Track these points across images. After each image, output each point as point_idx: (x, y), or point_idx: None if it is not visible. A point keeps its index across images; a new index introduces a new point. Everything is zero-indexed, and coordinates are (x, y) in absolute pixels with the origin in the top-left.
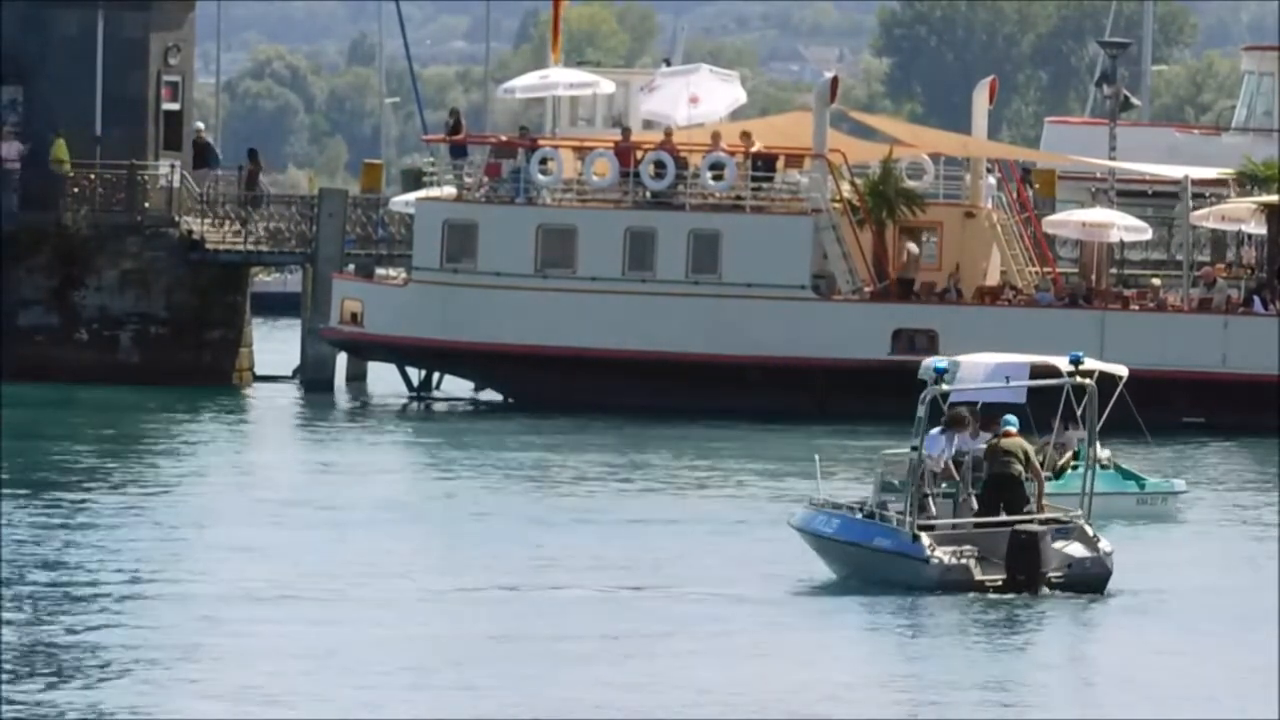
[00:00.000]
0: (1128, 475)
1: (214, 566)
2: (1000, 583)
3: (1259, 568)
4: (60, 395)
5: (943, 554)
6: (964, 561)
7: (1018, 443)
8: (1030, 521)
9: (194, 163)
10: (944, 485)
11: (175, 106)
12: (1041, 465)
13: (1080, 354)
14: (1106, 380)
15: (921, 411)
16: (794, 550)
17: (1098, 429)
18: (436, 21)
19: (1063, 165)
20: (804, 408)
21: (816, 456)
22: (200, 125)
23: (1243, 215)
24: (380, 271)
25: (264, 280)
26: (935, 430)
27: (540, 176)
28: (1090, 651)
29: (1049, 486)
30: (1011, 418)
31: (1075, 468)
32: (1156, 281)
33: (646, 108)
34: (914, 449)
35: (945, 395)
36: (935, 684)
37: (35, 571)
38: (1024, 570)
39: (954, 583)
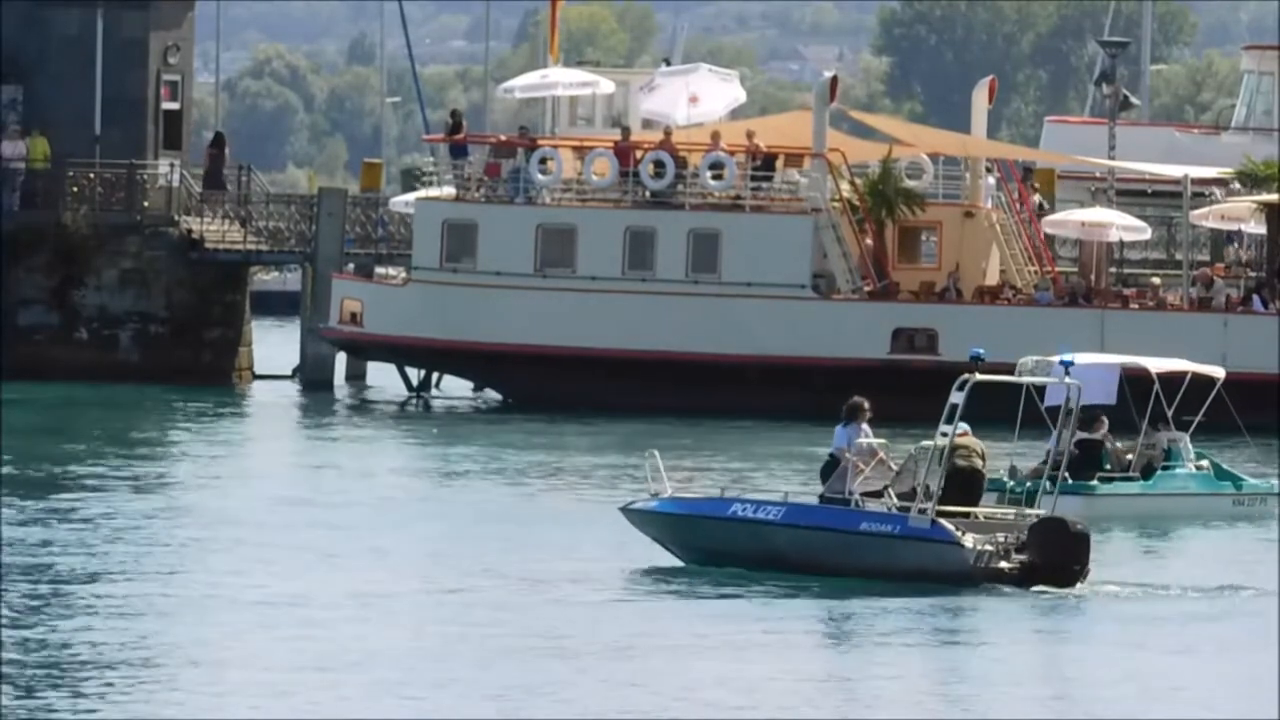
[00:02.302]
0: (1224, 475)
1: (213, 566)
2: (1018, 572)
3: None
4: (60, 395)
5: (973, 540)
6: (992, 549)
7: (975, 441)
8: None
9: None
10: (885, 484)
11: (175, 106)
12: (1131, 465)
13: (980, 351)
14: (1203, 381)
15: (957, 398)
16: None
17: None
18: (436, 21)
19: (1062, 165)
20: (804, 408)
21: (655, 452)
22: None
23: (1243, 215)
24: (380, 271)
25: (264, 280)
26: (840, 426)
27: (540, 176)
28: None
29: (1134, 487)
30: (962, 424)
31: (1166, 468)
32: (1156, 280)
33: (646, 107)
34: (943, 434)
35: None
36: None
37: (35, 571)
38: (1080, 561)
39: (984, 570)
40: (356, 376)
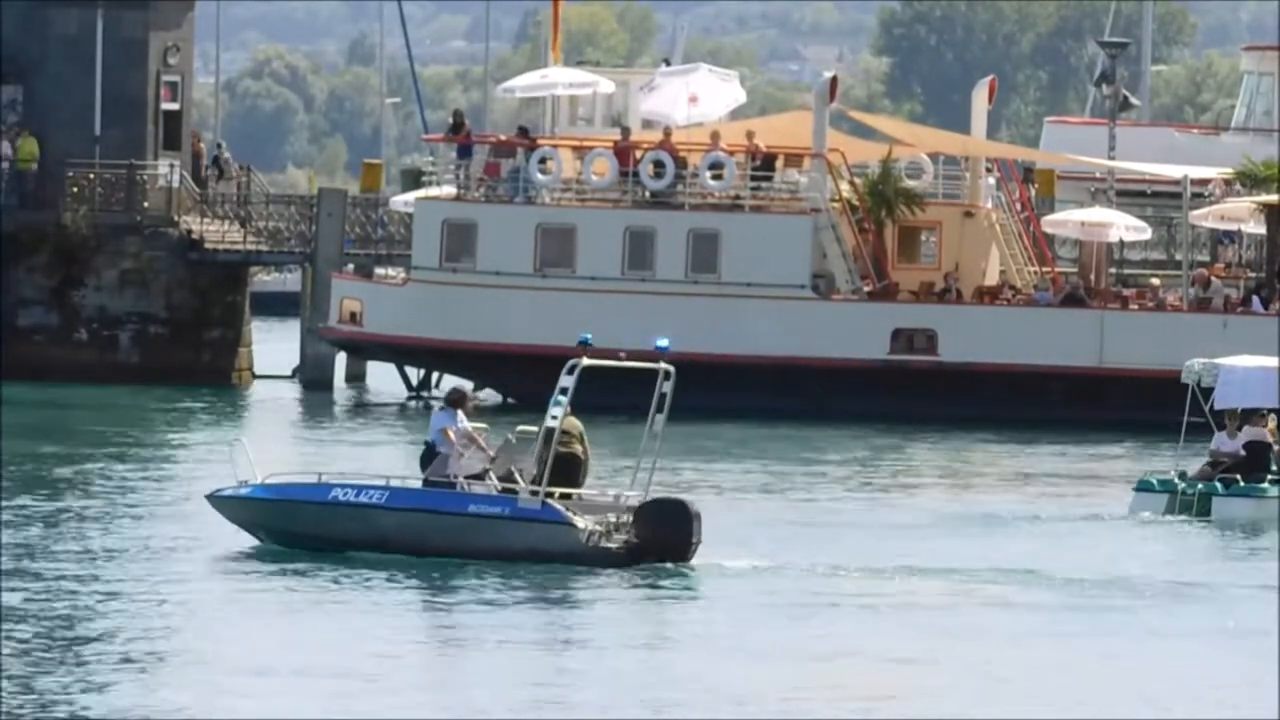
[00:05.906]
0: None
1: (212, 568)
2: (631, 550)
3: None
4: (60, 395)
5: (584, 520)
6: (602, 529)
7: (575, 423)
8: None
9: None
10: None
11: (174, 106)
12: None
13: (587, 336)
14: None
15: (567, 381)
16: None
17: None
18: (436, 21)
19: (1062, 165)
20: (804, 408)
21: (243, 440)
22: None
23: (1242, 215)
24: (380, 271)
25: (264, 280)
26: (437, 412)
27: (539, 176)
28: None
29: None
30: (561, 398)
31: None
32: (1156, 281)
33: (646, 107)
34: (553, 418)
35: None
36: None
37: (33, 572)
38: (696, 537)
39: (595, 550)
40: (356, 376)
